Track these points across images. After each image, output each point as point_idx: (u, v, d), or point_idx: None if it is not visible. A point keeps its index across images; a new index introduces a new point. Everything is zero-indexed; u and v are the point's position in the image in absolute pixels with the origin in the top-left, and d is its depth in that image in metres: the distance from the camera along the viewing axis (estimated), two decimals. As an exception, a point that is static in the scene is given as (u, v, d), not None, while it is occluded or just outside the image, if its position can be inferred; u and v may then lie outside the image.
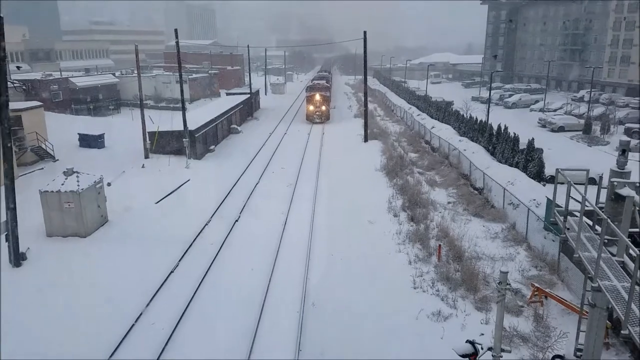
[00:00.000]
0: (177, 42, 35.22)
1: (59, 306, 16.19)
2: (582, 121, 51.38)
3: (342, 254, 20.12)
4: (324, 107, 54.39)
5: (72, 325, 15.09)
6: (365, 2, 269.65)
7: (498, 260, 19.08)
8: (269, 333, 14.68)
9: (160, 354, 13.62)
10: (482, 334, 14.14)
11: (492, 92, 58.78)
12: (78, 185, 21.66)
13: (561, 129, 50.94)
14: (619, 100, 67.24)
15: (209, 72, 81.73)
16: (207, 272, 18.56)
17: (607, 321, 10.62)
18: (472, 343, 8.06)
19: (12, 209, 18.67)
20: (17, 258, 18.98)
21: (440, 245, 19.73)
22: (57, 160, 33.88)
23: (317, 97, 53.99)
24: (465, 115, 43.13)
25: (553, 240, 19.27)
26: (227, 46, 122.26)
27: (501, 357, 8.20)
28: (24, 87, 50.55)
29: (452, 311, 15.63)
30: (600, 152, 41.03)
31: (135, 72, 37.88)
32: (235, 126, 49.51)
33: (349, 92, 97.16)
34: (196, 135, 36.60)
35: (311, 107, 54.56)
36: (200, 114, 44.05)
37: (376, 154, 37.91)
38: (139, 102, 36.53)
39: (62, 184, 21.67)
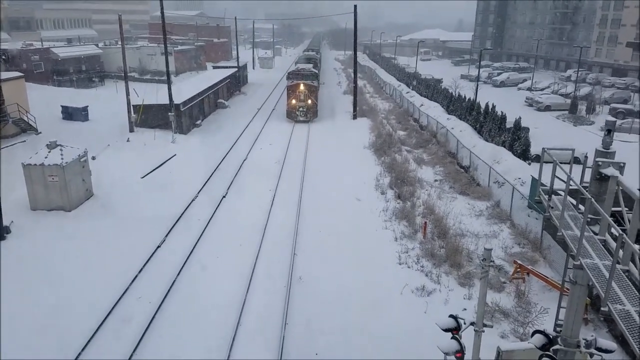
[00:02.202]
0: (162, 13, 34.25)
1: (43, 278, 16.13)
2: (569, 101, 51.76)
3: (329, 230, 20.25)
4: (310, 101, 41.93)
5: (57, 297, 15.05)
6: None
7: (482, 237, 19.41)
8: (257, 305, 14.87)
9: (148, 326, 13.72)
10: (465, 309, 14.48)
11: (481, 70, 58.65)
12: (62, 159, 21.28)
13: (548, 108, 51.30)
14: (605, 80, 67.68)
15: (195, 44, 79.94)
16: (194, 247, 18.56)
17: (587, 297, 10.92)
18: (455, 318, 8.23)
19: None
20: (1, 231, 18.82)
21: (425, 222, 19.96)
22: (40, 132, 33.12)
23: (302, 87, 41.50)
24: (453, 94, 43.10)
25: (536, 219, 19.61)
26: (214, 17, 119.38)
27: (483, 331, 8.41)
28: (3, 57, 48.92)
29: (435, 286, 15.94)
30: (586, 131, 41.50)
31: (119, 43, 36.86)
32: (223, 101, 48.76)
33: (338, 67, 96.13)
34: (182, 109, 36.02)
35: (293, 101, 41.94)
36: (187, 87, 43.21)
37: (365, 131, 37.82)
38: (123, 74, 35.70)
39: (46, 157, 21.27)
